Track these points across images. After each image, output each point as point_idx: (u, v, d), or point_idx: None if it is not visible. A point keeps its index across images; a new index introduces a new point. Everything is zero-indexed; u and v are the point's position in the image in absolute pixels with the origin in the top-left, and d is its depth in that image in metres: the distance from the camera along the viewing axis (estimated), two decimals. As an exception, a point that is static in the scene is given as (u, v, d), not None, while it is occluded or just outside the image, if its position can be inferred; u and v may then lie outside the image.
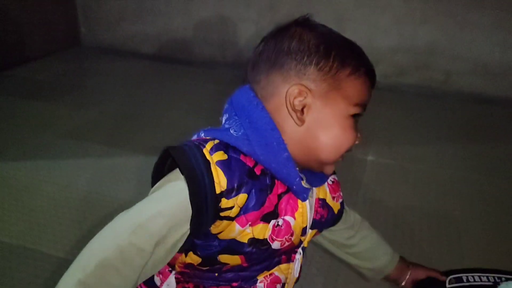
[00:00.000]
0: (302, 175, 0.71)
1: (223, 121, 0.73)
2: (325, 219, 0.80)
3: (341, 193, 0.85)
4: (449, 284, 0.95)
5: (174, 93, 3.18)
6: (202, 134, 0.70)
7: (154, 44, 3.91)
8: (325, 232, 0.92)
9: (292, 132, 0.69)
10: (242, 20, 3.57)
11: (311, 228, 0.77)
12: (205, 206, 0.62)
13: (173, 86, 3.31)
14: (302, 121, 0.68)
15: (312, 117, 0.69)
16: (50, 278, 1.48)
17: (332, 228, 0.90)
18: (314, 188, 0.77)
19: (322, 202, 0.79)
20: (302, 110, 0.68)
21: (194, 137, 0.71)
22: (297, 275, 0.81)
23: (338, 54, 0.68)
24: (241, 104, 0.70)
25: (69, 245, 1.63)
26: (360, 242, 0.97)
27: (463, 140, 2.61)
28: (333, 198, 0.82)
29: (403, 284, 1.00)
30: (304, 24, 0.72)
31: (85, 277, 0.55)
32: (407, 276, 1.00)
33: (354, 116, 0.71)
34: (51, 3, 3.82)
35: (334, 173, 0.84)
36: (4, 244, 1.62)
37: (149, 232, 0.59)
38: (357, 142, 0.73)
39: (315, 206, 0.77)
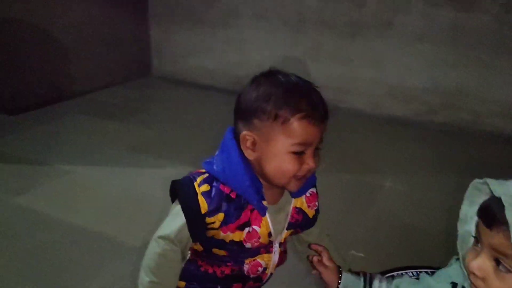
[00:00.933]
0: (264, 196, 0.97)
1: (215, 154, 0.99)
2: (300, 222, 1.06)
3: (316, 203, 1.08)
4: None
5: (224, 119, 3.62)
6: (202, 165, 0.99)
7: (211, 77, 4.40)
8: (302, 234, 1.16)
9: (252, 163, 0.95)
10: (288, 58, 3.97)
11: (287, 229, 1.04)
12: (195, 222, 0.95)
13: (224, 113, 3.75)
14: (254, 156, 0.93)
15: (260, 153, 0.92)
16: (104, 252, 1.94)
17: (308, 231, 1.14)
18: (293, 199, 1.04)
19: (298, 210, 1.05)
20: (253, 147, 0.92)
21: (203, 164, 0.99)
22: (277, 262, 1.08)
23: (274, 107, 0.88)
24: (224, 144, 0.98)
25: (126, 231, 2.09)
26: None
27: (481, 176, 2.81)
28: (309, 206, 1.07)
29: None
30: (264, 77, 0.94)
31: (150, 277, 0.95)
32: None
33: (297, 153, 0.90)
34: (130, 39, 4.46)
35: (314, 186, 1.08)
36: (78, 227, 2.10)
37: (172, 241, 0.95)
38: (310, 167, 0.92)
39: (292, 212, 1.04)
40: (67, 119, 3.46)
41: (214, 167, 0.96)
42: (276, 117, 0.88)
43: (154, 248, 0.96)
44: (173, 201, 1.02)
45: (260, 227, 0.97)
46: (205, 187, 0.94)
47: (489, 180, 0.76)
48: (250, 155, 0.93)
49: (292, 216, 1.04)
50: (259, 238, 0.98)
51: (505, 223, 0.68)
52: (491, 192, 0.75)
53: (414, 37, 3.51)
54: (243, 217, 0.96)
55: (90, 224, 2.12)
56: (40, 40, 3.59)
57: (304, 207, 1.06)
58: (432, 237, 2.15)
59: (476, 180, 0.80)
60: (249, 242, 0.98)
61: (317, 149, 0.93)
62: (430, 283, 0.98)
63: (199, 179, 0.96)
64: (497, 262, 0.73)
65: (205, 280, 1.05)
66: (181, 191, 0.97)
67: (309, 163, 0.91)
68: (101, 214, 2.22)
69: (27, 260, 1.85)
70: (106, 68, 4.25)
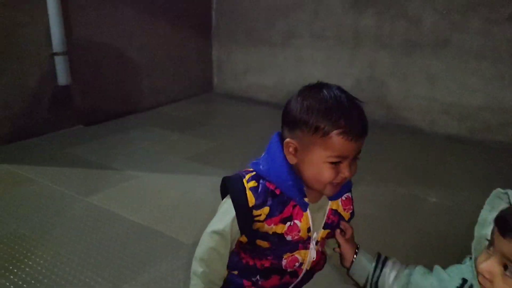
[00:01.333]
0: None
1: (262, 155, 1.09)
2: (336, 224, 1.15)
3: (351, 206, 1.17)
4: None
5: (279, 133, 3.79)
6: (250, 165, 1.09)
7: (269, 93, 4.60)
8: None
9: (294, 167, 1.04)
10: (345, 76, 4.08)
11: (324, 228, 1.12)
12: (243, 214, 1.04)
13: (279, 128, 3.92)
14: (295, 161, 1.03)
15: (300, 159, 1.02)
16: (161, 248, 2.13)
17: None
18: (329, 201, 1.12)
19: (334, 212, 1.14)
20: (295, 153, 1.02)
21: (249, 164, 1.09)
22: (312, 259, 1.14)
23: (315, 121, 0.96)
24: (270, 146, 1.08)
25: (181, 231, 2.28)
26: None
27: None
28: (344, 209, 1.15)
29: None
30: (311, 90, 1.01)
31: (203, 267, 1.06)
32: None
33: (334, 162, 0.97)
34: (195, 58, 4.78)
35: (350, 191, 1.17)
36: (140, 224, 2.33)
37: (223, 235, 1.05)
38: (345, 176, 0.99)
39: (328, 214, 1.12)
40: (135, 130, 3.78)
41: (261, 167, 1.06)
42: (316, 130, 0.96)
43: (208, 242, 1.07)
44: (223, 197, 1.11)
45: (301, 221, 1.06)
46: (252, 183, 1.05)
47: (510, 192, 0.81)
48: (291, 159, 1.03)
49: (328, 217, 1.12)
50: (299, 231, 1.07)
51: None
52: (510, 202, 0.81)
53: (471, 55, 3.50)
54: (286, 212, 1.05)
55: (150, 223, 2.33)
56: (116, 60, 3.97)
57: (340, 209, 1.15)
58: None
59: (499, 189, 0.85)
60: (289, 235, 1.06)
61: (355, 158, 1.00)
62: (443, 276, 1.06)
63: (247, 176, 1.06)
64: (505, 267, 0.78)
65: (246, 271, 1.14)
66: (231, 186, 1.06)
67: (345, 172, 0.99)
68: (161, 215, 2.43)
69: (94, 251, 2.08)
70: (173, 84, 4.58)
